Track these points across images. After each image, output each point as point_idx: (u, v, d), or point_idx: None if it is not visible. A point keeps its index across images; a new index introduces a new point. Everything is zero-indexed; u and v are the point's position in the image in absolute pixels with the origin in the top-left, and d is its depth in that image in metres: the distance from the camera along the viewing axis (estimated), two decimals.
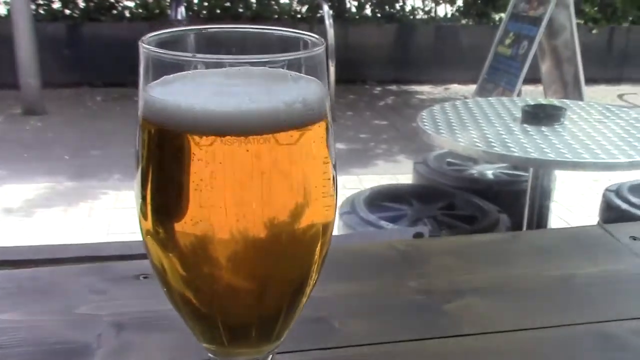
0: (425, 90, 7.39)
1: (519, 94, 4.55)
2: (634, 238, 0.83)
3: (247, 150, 0.36)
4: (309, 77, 0.40)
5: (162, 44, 0.41)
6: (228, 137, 0.36)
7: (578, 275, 0.75)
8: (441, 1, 8.06)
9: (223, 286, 0.39)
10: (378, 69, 7.46)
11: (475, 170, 3.03)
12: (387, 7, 7.79)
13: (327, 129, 0.40)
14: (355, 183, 4.08)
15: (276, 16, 7.29)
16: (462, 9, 8.10)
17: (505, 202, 2.58)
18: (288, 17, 7.34)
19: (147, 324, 0.64)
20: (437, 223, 2.37)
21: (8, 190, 4.12)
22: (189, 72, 0.39)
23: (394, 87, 7.32)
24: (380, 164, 4.70)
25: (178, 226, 0.37)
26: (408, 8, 7.96)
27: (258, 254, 0.37)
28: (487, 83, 5.01)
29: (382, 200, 2.58)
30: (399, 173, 4.31)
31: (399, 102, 6.74)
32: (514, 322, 0.66)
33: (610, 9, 8.00)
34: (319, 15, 6.74)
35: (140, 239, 0.41)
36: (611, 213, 2.52)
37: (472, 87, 5.39)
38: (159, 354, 0.59)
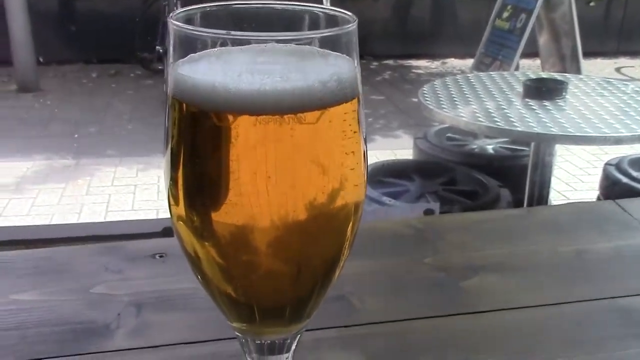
0: (423, 64, 7.35)
1: (516, 68, 4.53)
2: None
3: (284, 129, 0.36)
4: (337, 53, 0.40)
5: (189, 20, 0.40)
6: (264, 117, 0.35)
7: (592, 251, 0.75)
8: None
9: (260, 271, 0.38)
10: (375, 44, 7.41)
11: (475, 145, 3.03)
12: None
13: (359, 105, 0.40)
14: None
15: None
16: None
17: (506, 176, 2.58)
18: None
19: (166, 304, 0.64)
20: (438, 198, 2.37)
21: (4, 167, 4.10)
22: (215, 49, 0.38)
23: (390, 62, 7.28)
24: (378, 140, 4.69)
25: (215, 212, 0.37)
26: None
27: (296, 236, 0.37)
28: (485, 57, 4.98)
29: (384, 176, 2.58)
30: (398, 148, 4.30)
31: (397, 77, 6.71)
32: (530, 298, 0.66)
33: None
34: None
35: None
36: (611, 187, 2.52)
37: (470, 62, 5.36)
38: (179, 332, 0.59)
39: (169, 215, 0.41)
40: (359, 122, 0.40)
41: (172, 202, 0.39)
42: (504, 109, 2.25)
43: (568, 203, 2.88)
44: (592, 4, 7.74)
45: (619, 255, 0.75)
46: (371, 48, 7.36)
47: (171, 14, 0.39)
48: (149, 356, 0.56)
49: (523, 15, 4.57)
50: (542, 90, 2.35)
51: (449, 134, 3.08)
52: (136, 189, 3.86)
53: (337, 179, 0.38)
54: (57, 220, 3.40)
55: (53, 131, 4.91)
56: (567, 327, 0.62)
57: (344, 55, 0.40)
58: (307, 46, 0.38)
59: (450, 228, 0.80)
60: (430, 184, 2.52)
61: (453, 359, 0.57)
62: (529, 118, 2.14)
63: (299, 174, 0.36)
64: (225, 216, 0.36)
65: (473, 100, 2.36)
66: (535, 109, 2.24)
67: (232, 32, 0.36)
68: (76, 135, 4.77)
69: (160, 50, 5.72)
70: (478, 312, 0.64)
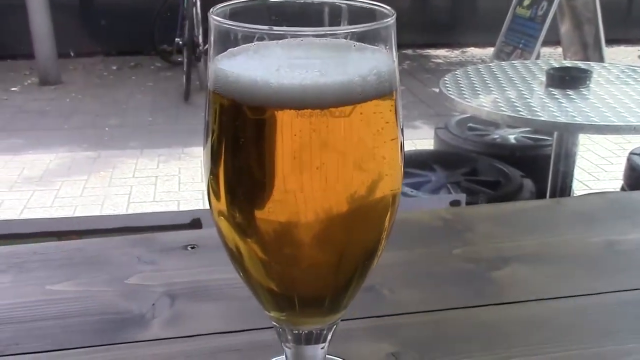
0: (442, 54, 7.30)
1: (537, 56, 4.48)
2: None
3: (325, 123, 0.36)
4: (374, 47, 0.40)
5: (228, 15, 0.40)
6: (305, 111, 0.36)
7: (623, 242, 0.75)
8: None
9: (303, 265, 0.39)
10: None
11: (497, 134, 3.01)
12: None
13: (397, 98, 0.40)
14: None
15: None
16: None
17: (529, 166, 2.56)
18: None
19: (199, 294, 0.65)
20: (460, 189, 2.37)
21: (28, 159, 4.15)
22: (253, 44, 0.38)
23: (409, 52, 7.24)
24: None
25: (258, 208, 0.37)
26: None
27: (339, 228, 0.38)
28: (506, 46, 4.93)
29: (405, 166, 2.57)
30: (418, 139, 4.28)
31: (415, 67, 6.67)
32: (561, 289, 0.66)
33: None
34: None
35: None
36: (637, 177, 2.49)
37: (490, 50, 5.31)
38: (213, 322, 0.60)
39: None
40: (397, 115, 0.40)
41: (212, 197, 0.40)
42: (527, 98, 2.23)
43: (597, 193, 2.85)
44: None
45: None
46: None
47: (211, 9, 0.39)
48: (184, 345, 0.57)
49: (544, 3, 4.51)
50: (566, 79, 2.33)
51: (470, 124, 3.07)
52: (157, 180, 3.89)
53: (377, 171, 0.38)
54: (80, 211, 3.44)
55: (75, 124, 4.96)
56: (598, 318, 0.62)
57: (382, 48, 0.40)
58: (343, 40, 0.39)
59: (479, 219, 0.80)
60: (452, 174, 2.51)
61: (483, 349, 0.57)
62: (552, 107, 2.12)
63: (341, 168, 0.37)
64: (268, 212, 0.37)
65: (495, 89, 2.34)
66: (558, 98, 2.22)
67: (273, 28, 0.36)
68: (97, 128, 4.81)
69: (180, 42, 5.74)
70: (508, 302, 0.64)
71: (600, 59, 4.58)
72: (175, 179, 3.87)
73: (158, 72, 6.47)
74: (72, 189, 3.75)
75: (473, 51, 7.38)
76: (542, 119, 2.02)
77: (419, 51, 7.31)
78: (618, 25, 7.18)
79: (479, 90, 2.33)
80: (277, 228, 0.37)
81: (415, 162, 2.62)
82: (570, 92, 2.27)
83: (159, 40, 6.51)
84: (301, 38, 0.38)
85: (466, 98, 2.23)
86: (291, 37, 0.38)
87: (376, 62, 0.39)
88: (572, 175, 2.36)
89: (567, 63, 2.90)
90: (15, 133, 4.71)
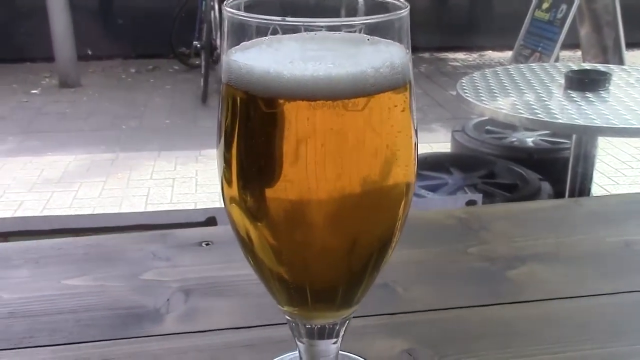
0: (459, 57, 7.27)
1: (556, 60, 4.44)
2: None
3: (337, 114, 0.36)
4: (388, 40, 0.40)
5: (241, 7, 0.40)
6: (317, 102, 0.36)
7: None
8: None
9: (314, 250, 0.39)
10: (412, 36, 7.35)
11: (515, 137, 2.99)
12: None
13: (410, 91, 0.40)
14: None
15: None
16: None
17: (547, 169, 2.54)
18: None
19: (213, 290, 0.65)
20: (477, 191, 2.35)
21: (47, 161, 4.20)
22: (266, 37, 0.38)
23: (427, 55, 7.22)
24: None
25: (269, 192, 0.37)
26: None
27: (352, 213, 0.38)
28: (524, 49, 4.90)
29: (421, 168, 2.56)
30: (434, 142, 4.27)
31: (433, 70, 6.65)
32: (576, 288, 0.65)
33: None
34: None
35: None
36: None
37: (508, 54, 5.28)
38: (227, 318, 0.60)
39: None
40: (410, 107, 0.40)
41: (225, 184, 0.40)
42: (545, 100, 2.21)
43: (615, 194, 2.82)
44: None
45: None
46: None
47: (225, 2, 0.39)
48: (198, 340, 0.57)
49: (564, 6, 4.47)
50: (585, 82, 2.31)
51: (487, 127, 3.05)
52: (174, 182, 3.91)
53: (389, 158, 0.38)
54: (99, 212, 3.47)
55: (94, 125, 5.01)
56: (614, 318, 0.61)
57: (395, 42, 0.40)
58: (357, 34, 0.39)
59: (495, 218, 0.80)
60: (469, 176, 2.50)
61: (498, 347, 0.56)
62: (570, 110, 2.11)
63: (352, 156, 0.37)
64: (279, 193, 0.37)
65: (513, 92, 2.33)
66: (577, 101, 2.20)
67: (286, 18, 0.36)
68: (116, 130, 4.85)
69: (198, 45, 5.78)
70: (523, 301, 0.64)
71: (620, 62, 4.53)
72: (192, 180, 3.89)
73: (176, 74, 6.51)
74: (91, 190, 3.78)
75: (491, 54, 7.34)
76: (560, 121, 2.00)
77: (437, 54, 7.29)
78: (638, 28, 7.10)
79: (496, 93, 2.31)
80: (289, 210, 0.38)
81: (432, 165, 2.61)
82: (589, 94, 2.25)
83: (177, 44, 6.55)
84: (315, 32, 0.38)
85: (483, 100, 2.22)
86: (305, 30, 0.38)
87: (389, 54, 0.39)
88: (590, 178, 2.34)
89: (587, 66, 2.88)
90: (35, 135, 4.77)
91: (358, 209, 0.38)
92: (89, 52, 6.64)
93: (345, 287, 0.42)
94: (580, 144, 2.30)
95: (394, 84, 0.38)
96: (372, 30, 0.39)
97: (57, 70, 6.09)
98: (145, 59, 6.77)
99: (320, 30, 0.38)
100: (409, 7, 0.40)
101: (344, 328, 0.46)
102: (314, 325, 0.44)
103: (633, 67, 2.89)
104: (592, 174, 2.37)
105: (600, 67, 2.74)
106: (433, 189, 2.35)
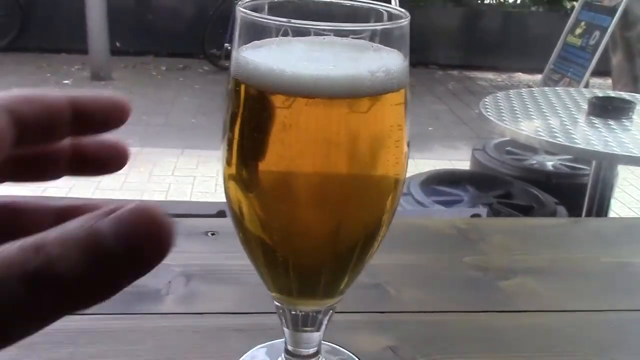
0: (489, 77, 7.26)
1: (586, 86, 4.42)
2: None
3: (333, 112, 0.39)
4: (389, 48, 0.43)
5: (256, 9, 0.43)
6: (316, 99, 0.39)
7: (635, 264, 0.75)
8: None
9: (300, 225, 0.42)
10: (441, 53, 7.36)
11: (535, 160, 2.99)
12: None
13: (405, 97, 0.43)
14: (410, 167, 4.06)
15: None
16: None
17: (564, 194, 2.54)
18: None
19: (213, 276, 0.68)
20: (492, 211, 2.36)
21: None
22: (276, 39, 0.41)
23: (456, 73, 7.23)
24: (437, 149, 4.67)
25: (261, 166, 0.41)
26: None
27: (334, 196, 0.41)
28: (554, 73, 4.88)
29: (438, 183, 2.58)
30: (456, 159, 4.27)
31: (460, 88, 6.66)
32: (566, 302, 0.67)
33: None
34: None
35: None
36: None
37: (538, 77, 5.27)
38: (224, 303, 0.63)
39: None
40: (404, 111, 0.43)
41: (225, 166, 0.44)
42: (567, 125, 2.22)
43: (614, 217, 2.80)
44: None
45: None
46: (436, 57, 7.31)
47: (239, 2, 0.42)
48: (194, 321, 0.60)
49: (597, 33, 4.46)
50: (608, 109, 2.31)
51: (508, 148, 3.05)
52: (195, 180, 3.97)
53: (377, 151, 0.41)
54: None
55: None
56: (601, 333, 0.63)
57: (395, 49, 0.43)
58: (362, 41, 0.42)
59: (494, 231, 0.82)
60: (485, 195, 2.51)
61: (481, 352, 0.58)
62: (591, 136, 2.11)
63: (342, 145, 0.40)
64: (271, 168, 0.41)
65: (535, 114, 2.34)
66: (599, 127, 2.20)
67: (293, 21, 0.39)
68: (142, 125, 4.93)
69: (229, 48, 5.85)
70: (512, 311, 0.66)
71: None
72: (213, 180, 3.94)
73: (206, 75, 6.60)
74: (113, 182, 3.85)
75: (520, 77, 7.32)
76: (580, 146, 2.01)
77: (466, 72, 7.29)
78: None
79: (518, 114, 2.32)
80: (278, 185, 0.41)
81: (450, 180, 2.62)
82: (611, 122, 2.25)
83: (208, 45, 6.65)
84: (323, 37, 0.41)
85: (505, 121, 2.23)
86: (314, 34, 0.41)
87: (387, 60, 0.42)
88: (607, 205, 2.33)
89: (612, 93, 2.87)
90: None
91: (344, 191, 0.41)
92: (122, 48, 6.76)
93: (329, 272, 0.44)
94: (599, 171, 2.30)
95: (389, 88, 0.41)
96: (376, 37, 0.42)
97: (90, 62, 6.22)
98: (176, 58, 6.88)
99: (329, 34, 0.41)
100: (409, 17, 0.43)
101: (327, 317, 0.48)
102: (298, 312, 0.47)
103: None
104: (609, 202, 2.36)
105: (626, 95, 2.73)
106: (447, 204, 2.36)
